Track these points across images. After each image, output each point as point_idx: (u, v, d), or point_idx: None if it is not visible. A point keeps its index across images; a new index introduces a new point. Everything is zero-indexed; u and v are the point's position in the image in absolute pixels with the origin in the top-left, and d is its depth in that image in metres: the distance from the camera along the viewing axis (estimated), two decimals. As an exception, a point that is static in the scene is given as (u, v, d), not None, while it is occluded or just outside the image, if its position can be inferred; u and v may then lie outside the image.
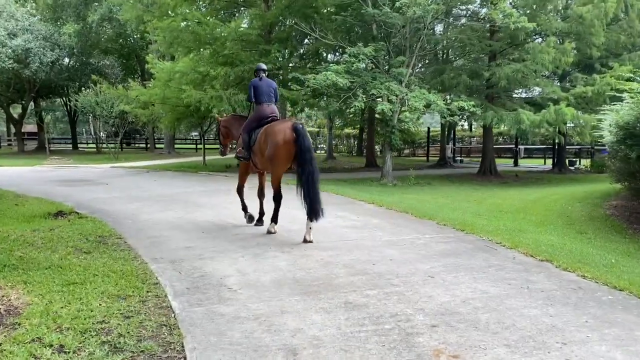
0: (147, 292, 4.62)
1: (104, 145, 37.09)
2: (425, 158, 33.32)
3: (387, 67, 15.99)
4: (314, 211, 6.60)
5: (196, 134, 56.57)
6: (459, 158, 32.75)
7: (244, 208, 8.17)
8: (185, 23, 17.78)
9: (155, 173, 19.08)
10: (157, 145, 40.90)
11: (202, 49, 18.19)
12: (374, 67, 15.14)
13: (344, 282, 4.90)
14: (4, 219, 8.60)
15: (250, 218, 8.01)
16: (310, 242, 6.58)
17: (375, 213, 9.13)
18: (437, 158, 29.69)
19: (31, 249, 6.14)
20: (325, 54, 23.94)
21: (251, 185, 8.67)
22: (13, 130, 42.67)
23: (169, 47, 18.70)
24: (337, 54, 22.40)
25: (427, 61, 21.53)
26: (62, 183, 14.83)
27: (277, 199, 7.22)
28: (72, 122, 43.79)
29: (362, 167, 24.29)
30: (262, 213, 8.02)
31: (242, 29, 17.94)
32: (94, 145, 43.15)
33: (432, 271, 5.25)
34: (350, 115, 23.44)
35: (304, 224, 6.84)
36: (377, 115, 16.01)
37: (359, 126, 36.57)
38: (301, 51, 21.84)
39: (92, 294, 4.49)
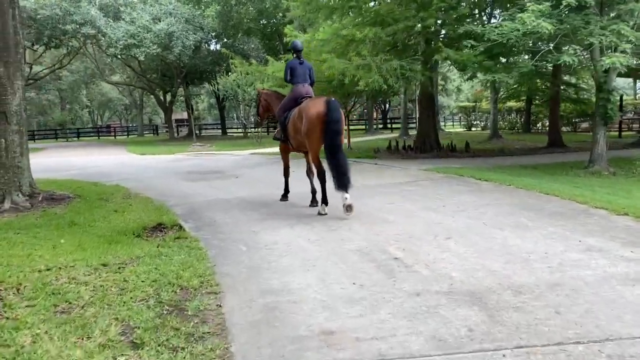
0: None
1: (249, 130, 36.32)
2: (615, 133, 26.81)
3: (599, 5, 11.27)
4: (342, 182, 6.50)
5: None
6: (656, 131, 25.67)
7: (286, 190, 8.29)
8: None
9: (294, 161, 16.42)
10: (302, 128, 39.15)
11: (345, 10, 14.95)
12: (583, 6, 10.55)
13: None
14: (87, 235, 6.27)
15: (284, 197, 8.25)
16: (350, 205, 6.57)
17: (656, 240, 5.08)
18: (634, 133, 23.45)
19: (54, 325, 3.40)
20: (489, 9, 19.24)
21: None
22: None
23: (306, 11, 15.76)
24: (501, 10, 17.67)
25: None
26: (188, 176, 12.77)
27: (321, 177, 6.95)
28: (221, 108, 44.10)
29: (543, 147, 19.36)
30: (314, 192, 7.71)
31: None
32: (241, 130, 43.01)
33: None
34: (538, 82, 18.29)
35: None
36: (601, 78, 11.21)
37: (524, 98, 30.83)
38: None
39: None
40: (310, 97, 7.42)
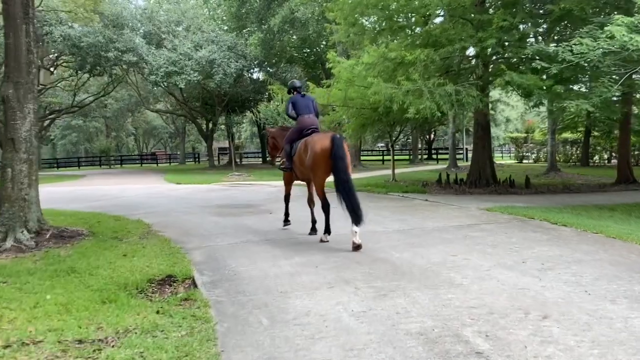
0: None
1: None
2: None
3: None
4: (357, 217, 6.49)
5: (382, 144, 52.95)
6: None
7: (286, 215, 8.46)
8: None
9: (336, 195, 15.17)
10: (343, 158, 38.05)
11: (393, 31, 13.74)
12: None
13: None
14: (80, 289, 5.13)
15: (286, 222, 8.42)
16: (359, 245, 6.47)
17: None
18: None
19: None
20: (544, 36, 17.65)
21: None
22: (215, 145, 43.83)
23: (350, 34, 14.63)
24: (561, 35, 16.04)
25: None
26: (218, 210, 11.64)
27: (325, 208, 7.07)
28: (261, 136, 43.65)
29: (611, 184, 17.39)
30: (314, 221, 7.87)
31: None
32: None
33: None
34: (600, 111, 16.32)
35: None
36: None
37: (582, 128, 28.69)
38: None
39: None
40: (315, 128, 7.57)
